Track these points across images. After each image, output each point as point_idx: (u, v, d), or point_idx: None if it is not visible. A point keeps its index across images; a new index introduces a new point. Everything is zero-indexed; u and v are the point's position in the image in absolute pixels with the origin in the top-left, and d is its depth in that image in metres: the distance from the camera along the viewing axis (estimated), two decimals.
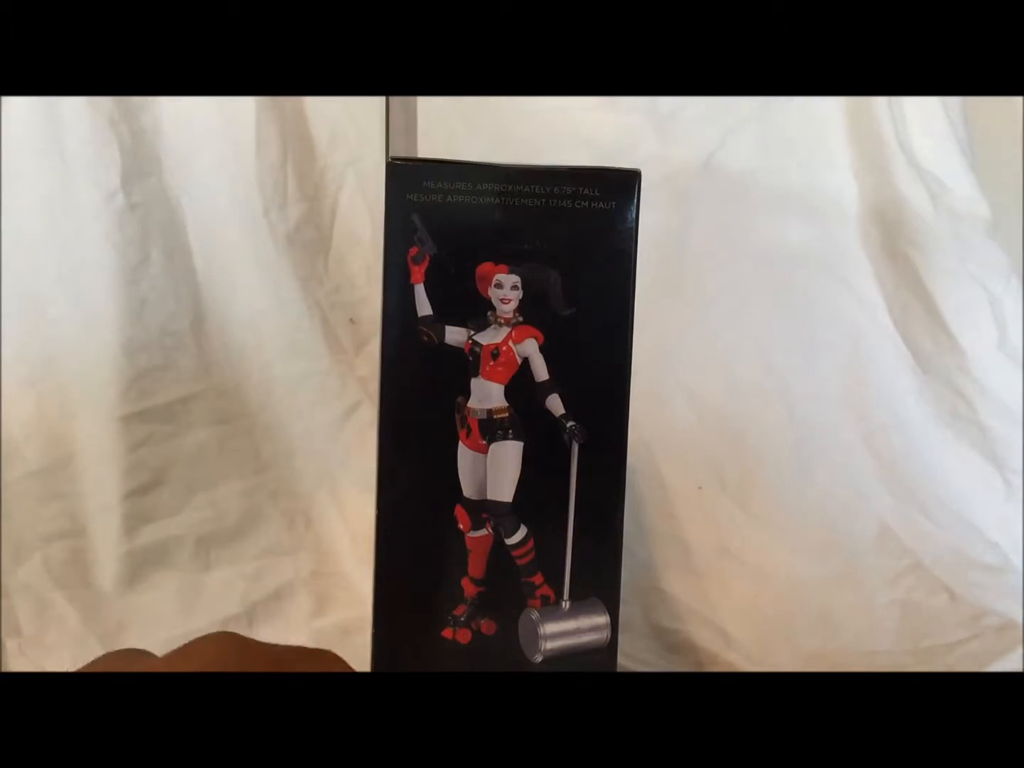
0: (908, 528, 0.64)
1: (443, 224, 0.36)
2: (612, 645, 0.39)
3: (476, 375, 0.37)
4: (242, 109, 0.61)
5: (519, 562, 0.38)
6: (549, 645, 0.38)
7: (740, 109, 0.65)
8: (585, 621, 0.38)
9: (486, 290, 0.36)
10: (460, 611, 0.36)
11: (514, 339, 0.37)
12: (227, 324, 0.63)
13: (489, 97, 0.59)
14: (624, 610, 0.40)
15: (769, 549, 0.62)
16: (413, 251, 0.36)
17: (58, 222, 0.59)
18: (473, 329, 0.37)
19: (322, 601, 0.58)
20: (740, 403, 0.66)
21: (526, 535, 0.38)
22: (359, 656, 0.53)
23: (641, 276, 0.37)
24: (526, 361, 0.37)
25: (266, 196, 0.62)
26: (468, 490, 0.38)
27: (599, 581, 0.39)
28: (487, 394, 0.37)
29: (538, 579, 0.38)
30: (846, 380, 0.67)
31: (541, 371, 0.37)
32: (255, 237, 0.62)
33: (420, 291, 0.36)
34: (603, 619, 0.39)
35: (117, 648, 0.45)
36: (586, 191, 0.36)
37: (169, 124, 0.60)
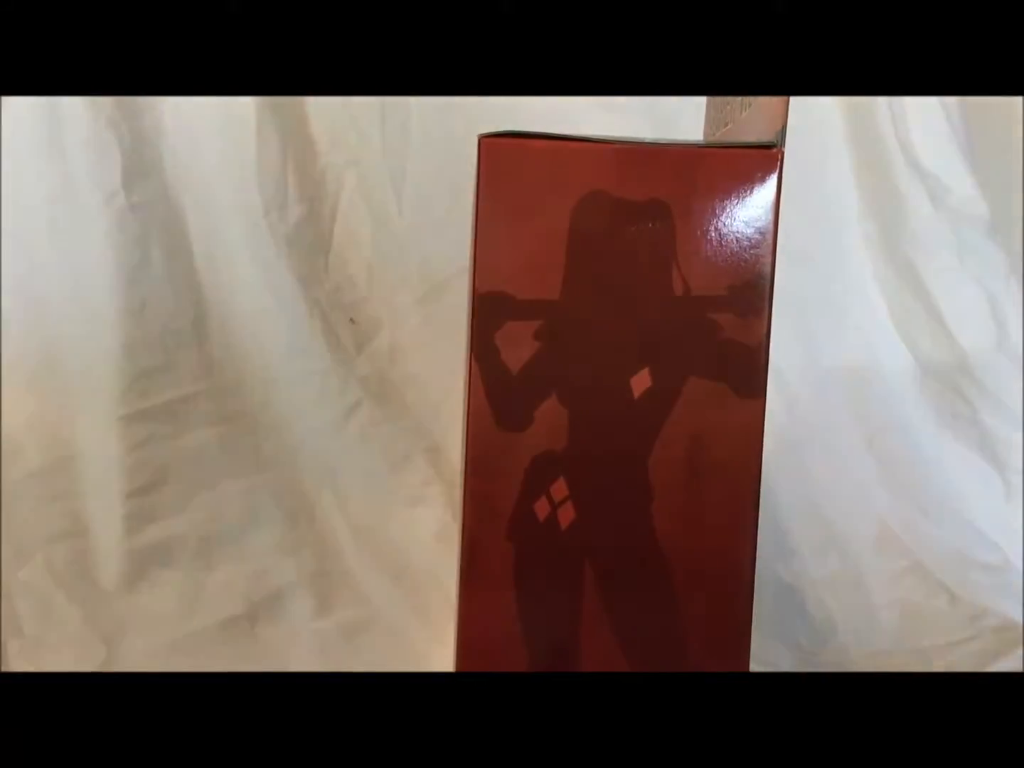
0: (908, 528, 0.64)
1: None
2: None
3: None
4: (242, 109, 0.61)
5: None
6: None
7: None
8: None
9: None
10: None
11: None
12: (228, 324, 0.63)
13: (489, 97, 0.59)
14: None
15: (769, 548, 0.62)
16: None
17: (59, 222, 0.59)
18: None
19: (325, 601, 0.58)
20: None
21: None
22: (362, 656, 0.54)
23: None
24: None
25: (266, 196, 0.62)
26: None
27: None
28: None
29: None
30: (846, 380, 0.67)
31: None
32: (256, 237, 0.62)
33: None
34: None
35: (120, 646, 0.45)
36: None
37: (170, 124, 0.61)
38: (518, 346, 0.30)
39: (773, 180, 0.29)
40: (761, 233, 0.30)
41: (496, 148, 0.29)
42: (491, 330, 0.30)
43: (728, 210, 0.29)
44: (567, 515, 0.30)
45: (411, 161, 0.64)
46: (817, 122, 0.66)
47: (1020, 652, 0.53)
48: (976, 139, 0.65)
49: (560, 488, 0.30)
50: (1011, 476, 0.66)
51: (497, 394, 0.30)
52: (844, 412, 0.67)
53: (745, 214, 0.30)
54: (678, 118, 0.64)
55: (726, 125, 0.38)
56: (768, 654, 0.55)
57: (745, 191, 0.29)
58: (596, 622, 0.30)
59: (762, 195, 0.29)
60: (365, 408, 0.64)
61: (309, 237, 0.64)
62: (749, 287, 0.30)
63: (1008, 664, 0.52)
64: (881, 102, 0.65)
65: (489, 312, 0.30)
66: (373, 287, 0.65)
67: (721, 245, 0.30)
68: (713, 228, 0.29)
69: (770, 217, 0.30)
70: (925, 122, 0.64)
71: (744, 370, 0.30)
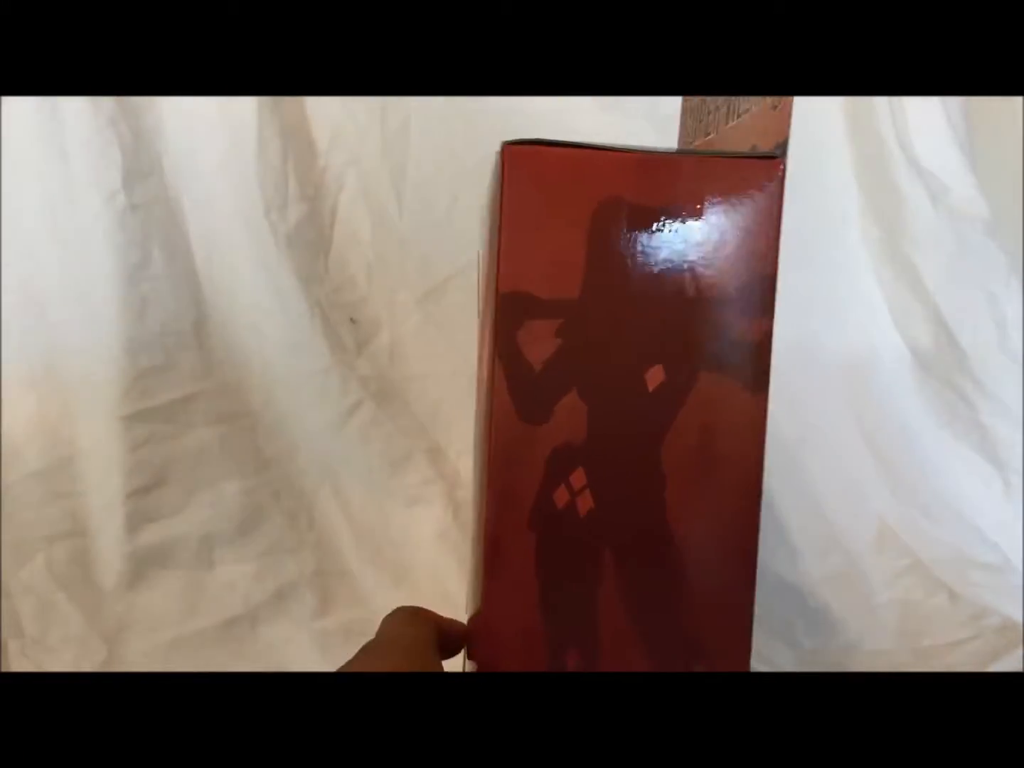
0: (908, 528, 0.64)
1: None
2: None
3: None
4: (243, 109, 0.61)
5: None
6: None
7: None
8: None
9: None
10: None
11: None
12: (228, 324, 0.63)
13: (489, 97, 0.59)
14: None
15: (769, 547, 0.62)
16: None
17: (59, 222, 0.59)
18: None
19: (326, 601, 0.59)
20: None
21: None
22: None
23: None
24: None
25: (267, 196, 0.62)
26: None
27: None
28: None
29: None
30: (846, 380, 0.67)
31: None
32: (256, 237, 0.62)
33: None
34: None
35: (120, 646, 0.45)
36: None
37: (170, 124, 0.61)
38: (540, 343, 0.31)
39: (777, 188, 0.31)
40: (766, 237, 0.31)
41: (520, 155, 0.31)
42: (514, 328, 0.31)
43: (736, 216, 0.31)
44: (585, 503, 0.32)
45: (411, 161, 0.64)
46: (817, 122, 0.66)
47: (1020, 652, 0.53)
48: (976, 139, 0.65)
49: (579, 477, 0.32)
50: (1011, 476, 0.66)
51: (519, 389, 0.31)
52: (844, 411, 0.67)
53: (752, 220, 0.31)
54: (678, 118, 0.64)
55: (707, 135, 0.38)
56: (769, 653, 0.55)
57: (752, 198, 0.31)
58: (613, 606, 0.32)
59: (767, 202, 0.31)
60: (365, 408, 0.64)
61: (309, 237, 0.64)
62: (755, 288, 0.31)
63: (1008, 664, 0.52)
64: (881, 102, 0.65)
65: (512, 311, 0.31)
66: (373, 287, 0.65)
67: (730, 249, 0.31)
68: (723, 233, 0.31)
69: (774, 222, 0.31)
70: (925, 122, 0.64)
71: (750, 366, 0.32)
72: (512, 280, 0.31)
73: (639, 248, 0.31)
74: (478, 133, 0.61)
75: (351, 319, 0.65)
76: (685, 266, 0.31)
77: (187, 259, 0.62)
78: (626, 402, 0.32)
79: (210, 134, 0.61)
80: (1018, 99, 0.63)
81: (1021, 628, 0.56)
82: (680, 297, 0.31)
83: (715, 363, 0.32)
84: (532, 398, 0.31)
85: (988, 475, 0.66)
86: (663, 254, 0.31)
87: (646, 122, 0.63)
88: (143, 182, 0.60)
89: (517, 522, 0.32)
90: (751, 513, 0.32)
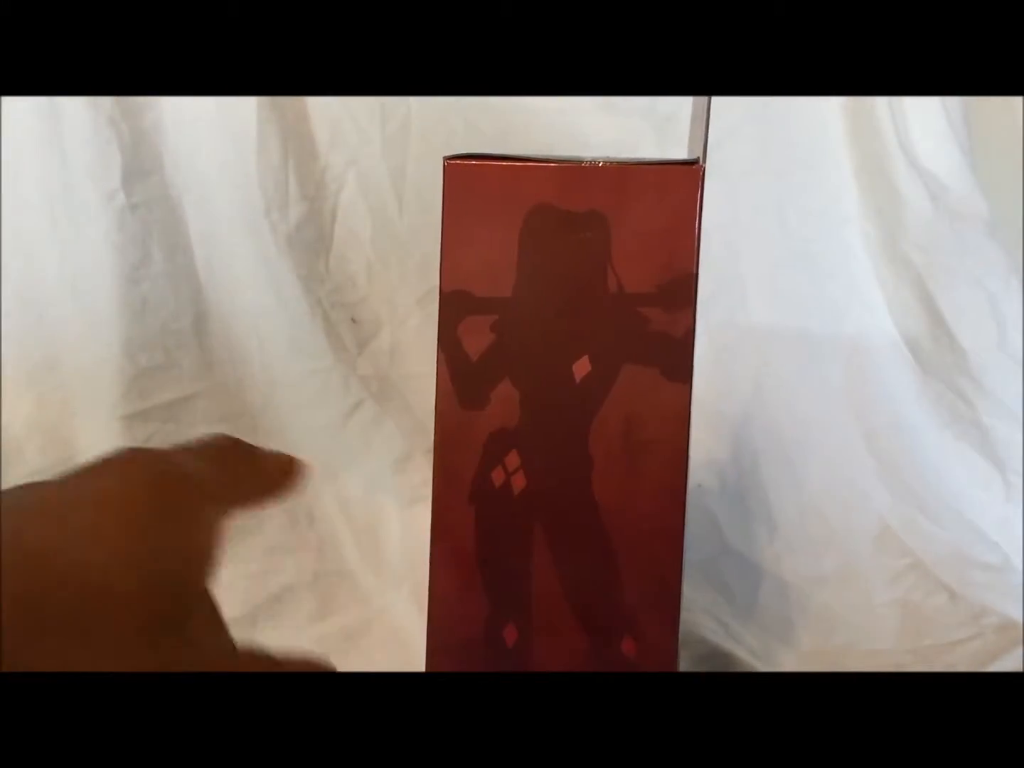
0: (908, 528, 0.64)
1: None
2: None
3: None
4: (243, 109, 0.61)
5: None
6: None
7: (740, 109, 0.65)
8: None
9: None
10: None
11: None
12: (228, 323, 0.63)
13: (489, 97, 0.59)
14: None
15: (769, 547, 0.62)
16: None
17: (59, 222, 0.59)
18: None
19: (325, 602, 0.58)
20: (740, 402, 0.66)
21: None
22: (364, 659, 0.54)
23: None
24: None
25: (267, 196, 0.62)
26: None
27: None
28: None
29: None
30: (846, 380, 0.67)
31: None
32: (256, 237, 0.62)
33: None
34: None
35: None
36: None
37: (170, 124, 0.61)
38: (477, 337, 0.34)
39: (696, 191, 0.32)
40: (686, 238, 0.33)
41: (458, 169, 0.34)
42: (454, 323, 0.34)
43: (656, 218, 0.33)
44: (519, 482, 0.35)
45: (411, 161, 0.64)
46: (817, 122, 0.66)
47: (1020, 652, 0.53)
48: (976, 139, 0.65)
49: (513, 459, 0.35)
50: (1011, 476, 0.66)
51: (459, 378, 0.34)
52: (844, 411, 0.67)
53: (671, 222, 0.33)
54: (678, 118, 0.64)
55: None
56: (768, 653, 0.55)
57: (671, 201, 0.33)
58: (545, 574, 0.35)
59: (686, 204, 0.33)
60: (366, 408, 0.64)
61: (310, 237, 0.64)
62: (675, 285, 0.33)
63: (1008, 664, 0.52)
64: (881, 102, 0.65)
65: (453, 307, 0.34)
66: (373, 287, 0.65)
67: (650, 249, 0.33)
68: (643, 234, 0.33)
69: (694, 224, 0.33)
70: (925, 122, 0.64)
71: (672, 357, 0.34)
72: (452, 280, 0.34)
73: (565, 250, 0.33)
74: (478, 133, 0.61)
75: (352, 319, 0.65)
76: (608, 265, 0.33)
77: (187, 258, 0.62)
78: (555, 391, 0.34)
79: (210, 134, 0.61)
80: (1018, 99, 0.63)
81: (1021, 628, 0.56)
82: (604, 293, 0.33)
83: (638, 355, 0.34)
84: (470, 386, 0.34)
85: (988, 475, 0.66)
86: (587, 254, 0.33)
87: (646, 122, 0.63)
88: (143, 181, 0.60)
89: (459, 497, 0.35)
90: (676, 489, 0.35)
